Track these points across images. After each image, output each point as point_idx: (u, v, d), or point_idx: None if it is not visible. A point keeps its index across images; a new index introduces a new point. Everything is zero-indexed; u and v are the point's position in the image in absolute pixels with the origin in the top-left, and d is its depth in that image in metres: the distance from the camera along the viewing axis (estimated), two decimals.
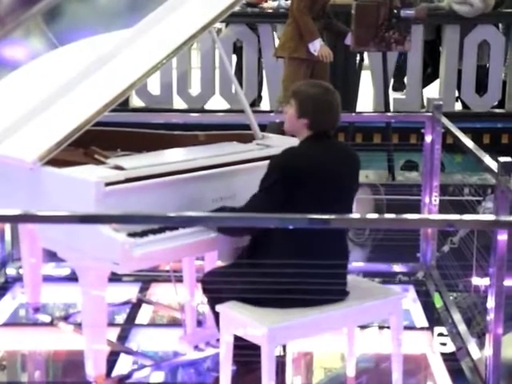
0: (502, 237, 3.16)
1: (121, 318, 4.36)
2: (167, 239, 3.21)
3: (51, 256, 3.82)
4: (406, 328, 3.78)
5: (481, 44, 7.58)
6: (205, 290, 3.38)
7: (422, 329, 4.27)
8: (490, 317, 3.27)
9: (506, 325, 3.30)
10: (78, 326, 3.75)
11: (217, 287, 3.27)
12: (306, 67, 6.07)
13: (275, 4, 7.91)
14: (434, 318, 4.37)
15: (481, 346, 3.70)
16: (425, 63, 7.86)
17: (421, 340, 4.13)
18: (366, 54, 6.78)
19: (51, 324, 4.14)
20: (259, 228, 3.17)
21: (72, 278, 4.08)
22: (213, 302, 3.30)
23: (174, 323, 4.20)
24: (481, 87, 7.80)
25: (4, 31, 5.48)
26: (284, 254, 3.15)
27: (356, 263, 4.99)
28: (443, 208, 4.78)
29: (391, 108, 6.68)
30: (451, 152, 5.83)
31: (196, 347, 3.79)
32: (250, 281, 3.12)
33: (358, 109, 6.65)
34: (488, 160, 3.58)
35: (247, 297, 3.18)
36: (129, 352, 3.88)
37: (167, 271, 4.08)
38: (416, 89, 7.69)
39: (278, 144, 3.66)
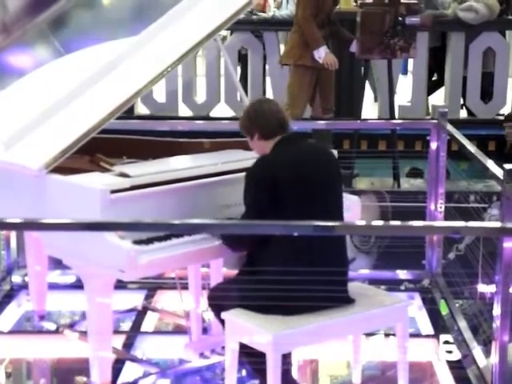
0: (508, 244, 3.15)
1: (126, 326, 4.36)
2: (173, 246, 3.21)
3: (57, 263, 3.83)
4: (412, 335, 3.77)
5: (486, 51, 7.58)
6: (211, 305, 3.38)
7: (427, 336, 4.26)
8: (496, 324, 3.26)
9: None
10: (84, 333, 3.75)
11: (223, 295, 3.27)
12: (311, 75, 6.08)
13: (270, 14, 7.95)
14: (439, 325, 4.36)
15: (487, 353, 3.68)
16: (430, 70, 7.86)
17: (427, 348, 4.12)
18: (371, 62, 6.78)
19: (57, 331, 4.15)
20: (259, 241, 3.18)
21: (77, 285, 4.08)
22: (218, 310, 3.30)
23: (180, 330, 4.19)
24: (486, 94, 7.80)
25: (10, 39, 5.50)
26: (285, 260, 3.15)
27: (362, 270, 4.99)
28: (449, 215, 4.77)
29: (396, 115, 6.67)
30: (456, 159, 5.82)
31: (201, 355, 3.78)
32: (255, 288, 3.12)
33: (363, 116, 6.65)
34: (493, 167, 3.57)
35: (252, 304, 3.18)
36: (134, 359, 3.88)
37: (173, 278, 4.08)
38: (421, 96, 7.69)
39: None
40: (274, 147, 3.35)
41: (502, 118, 7.41)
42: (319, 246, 3.14)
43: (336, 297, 3.20)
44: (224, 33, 8.08)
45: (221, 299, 3.28)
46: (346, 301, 3.28)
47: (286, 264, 3.13)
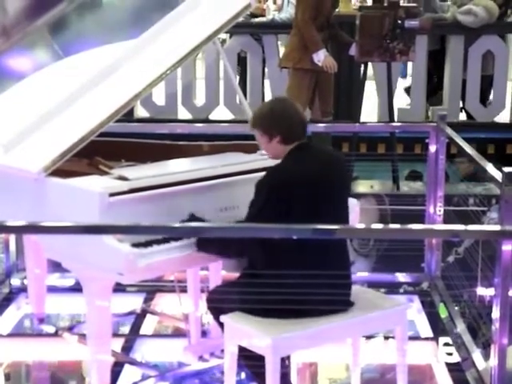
0: (507, 247, 3.15)
1: (125, 329, 4.36)
2: (171, 249, 3.20)
3: (56, 266, 3.83)
4: (411, 338, 3.76)
5: (485, 54, 7.58)
6: (210, 308, 3.38)
7: (426, 339, 4.26)
8: (496, 327, 3.26)
9: (511, 335, 3.28)
10: (83, 336, 3.75)
11: (222, 298, 3.27)
12: (311, 78, 6.08)
13: (270, 17, 7.96)
14: (438, 328, 4.36)
15: (486, 356, 3.68)
16: (429, 73, 7.87)
17: (426, 350, 4.12)
18: (370, 65, 6.78)
19: (56, 334, 4.14)
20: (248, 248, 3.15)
21: (76, 288, 4.07)
22: (217, 313, 3.29)
23: (179, 333, 4.19)
24: (485, 97, 7.80)
25: (10, 42, 5.51)
26: (287, 264, 3.15)
27: (361, 273, 4.99)
28: (448, 218, 4.77)
29: (396, 118, 6.68)
30: (456, 162, 5.84)
31: (200, 358, 3.79)
32: (254, 291, 3.12)
33: (363, 119, 6.66)
34: (492, 170, 3.57)
35: (251, 307, 3.17)
36: (133, 363, 3.88)
37: (171, 281, 4.08)
38: (420, 99, 7.69)
39: None
40: (289, 154, 3.22)
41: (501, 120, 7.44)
42: (322, 250, 3.14)
43: (337, 300, 3.19)
44: (223, 36, 8.10)
45: (220, 302, 3.27)
46: (346, 304, 3.28)
47: (287, 268, 3.12)
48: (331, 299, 3.10)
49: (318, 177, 3.19)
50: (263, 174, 3.37)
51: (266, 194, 3.14)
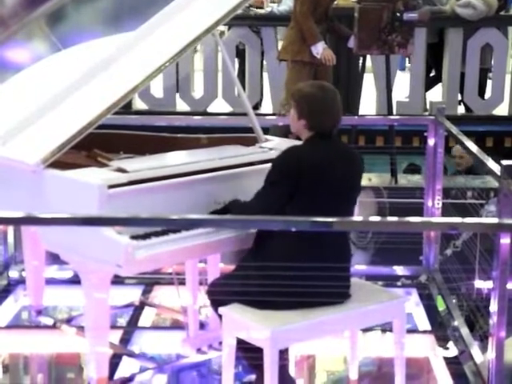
0: (505, 240, 3.16)
1: (123, 321, 4.36)
2: (170, 242, 3.21)
3: (54, 258, 3.83)
4: (409, 331, 3.77)
5: (484, 47, 7.58)
6: (210, 299, 3.38)
7: (424, 332, 4.27)
8: (493, 320, 3.26)
9: (508, 328, 3.29)
10: (81, 328, 3.75)
11: (222, 290, 3.27)
12: (309, 70, 6.07)
13: (268, 9, 7.94)
14: (436, 321, 4.37)
15: (483, 349, 3.69)
16: (428, 66, 7.86)
17: (423, 343, 4.13)
18: (368, 57, 6.78)
19: (54, 327, 4.14)
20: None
21: (75, 280, 4.07)
22: (217, 305, 3.29)
23: (177, 326, 4.19)
24: (484, 90, 7.80)
25: (7, 34, 5.49)
26: (287, 255, 3.15)
27: (359, 266, 4.99)
28: (446, 211, 4.77)
29: (394, 111, 6.68)
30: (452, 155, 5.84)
31: (199, 350, 3.79)
32: (253, 283, 3.12)
33: (361, 112, 6.65)
34: (491, 163, 3.57)
35: (250, 299, 3.17)
36: (131, 355, 3.88)
37: (170, 274, 4.08)
38: (419, 92, 7.69)
39: (281, 147, 3.65)
40: (307, 141, 3.27)
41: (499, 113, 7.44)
42: (323, 242, 3.14)
43: (336, 292, 3.19)
44: (222, 28, 8.08)
45: (220, 294, 3.27)
46: (344, 296, 3.28)
47: (287, 259, 3.13)
48: (330, 291, 3.10)
49: (328, 167, 3.21)
50: (262, 166, 3.38)
51: (279, 172, 3.20)
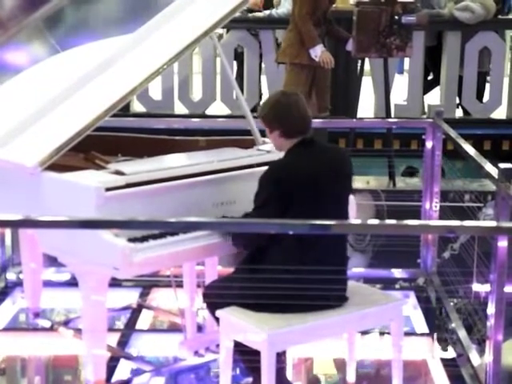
0: (503, 243, 3.16)
1: (121, 323, 4.36)
2: (168, 244, 3.21)
3: (51, 261, 3.82)
4: (407, 334, 3.77)
5: (482, 50, 7.58)
6: (206, 302, 3.38)
7: (422, 335, 4.27)
8: (491, 323, 3.26)
9: (506, 331, 3.29)
10: (78, 331, 3.75)
11: (218, 293, 3.27)
12: (307, 73, 6.08)
13: (267, 12, 7.94)
14: (434, 324, 4.37)
15: (481, 352, 3.69)
16: (426, 69, 7.86)
17: (421, 346, 4.13)
18: (367, 60, 6.78)
19: (51, 329, 4.14)
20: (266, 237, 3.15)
21: (72, 283, 4.08)
22: (213, 308, 3.29)
23: (174, 328, 4.19)
24: (482, 94, 7.80)
25: (6, 36, 5.49)
26: (284, 259, 3.15)
27: (356, 269, 4.99)
28: (444, 214, 4.77)
29: (392, 114, 6.68)
30: (452, 158, 5.83)
31: (196, 353, 3.79)
32: (251, 286, 3.12)
33: (359, 115, 6.65)
34: (488, 166, 3.58)
35: (247, 302, 3.17)
36: (129, 357, 3.88)
37: (168, 276, 4.08)
38: (417, 95, 7.69)
39: None
40: (291, 150, 3.25)
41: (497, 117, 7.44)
42: (320, 246, 3.14)
43: (334, 295, 3.19)
44: (220, 31, 8.08)
45: (216, 297, 3.27)
46: (341, 299, 3.28)
47: (285, 263, 3.12)
48: (327, 294, 3.11)
49: (317, 174, 3.20)
50: (260, 169, 3.37)
51: (268, 188, 3.17)
